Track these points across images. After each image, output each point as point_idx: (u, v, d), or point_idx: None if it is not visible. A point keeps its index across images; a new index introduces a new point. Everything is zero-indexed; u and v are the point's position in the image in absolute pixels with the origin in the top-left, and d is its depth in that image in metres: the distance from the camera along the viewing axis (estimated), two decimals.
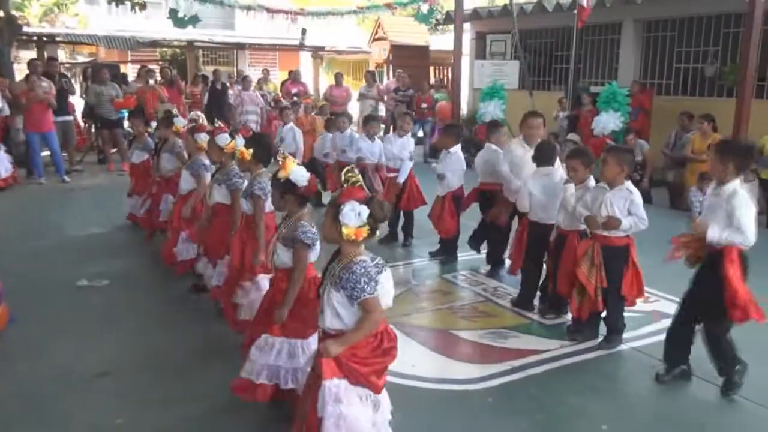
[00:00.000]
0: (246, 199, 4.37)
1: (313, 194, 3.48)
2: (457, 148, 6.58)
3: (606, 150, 4.68)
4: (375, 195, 2.84)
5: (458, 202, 6.61)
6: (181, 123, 6.53)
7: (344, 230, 2.69)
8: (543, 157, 5.26)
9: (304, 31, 13.40)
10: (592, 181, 4.79)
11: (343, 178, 2.82)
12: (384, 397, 3.00)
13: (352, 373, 2.81)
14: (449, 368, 4.35)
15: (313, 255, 3.44)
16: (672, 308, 5.31)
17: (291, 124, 9.28)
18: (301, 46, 19.35)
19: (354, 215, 2.68)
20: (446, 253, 6.75)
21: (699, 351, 4.15)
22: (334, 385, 2.79)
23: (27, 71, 11.14)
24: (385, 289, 2.82)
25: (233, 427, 3.59)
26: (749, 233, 3.75)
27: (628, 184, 4.51)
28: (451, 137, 6.66)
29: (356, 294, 2.71)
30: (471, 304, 5.58)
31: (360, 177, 2.83)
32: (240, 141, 4.57)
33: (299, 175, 3.34)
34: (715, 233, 3.78)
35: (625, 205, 4.42)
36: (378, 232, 2.82)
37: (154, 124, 7.78)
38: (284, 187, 3.41)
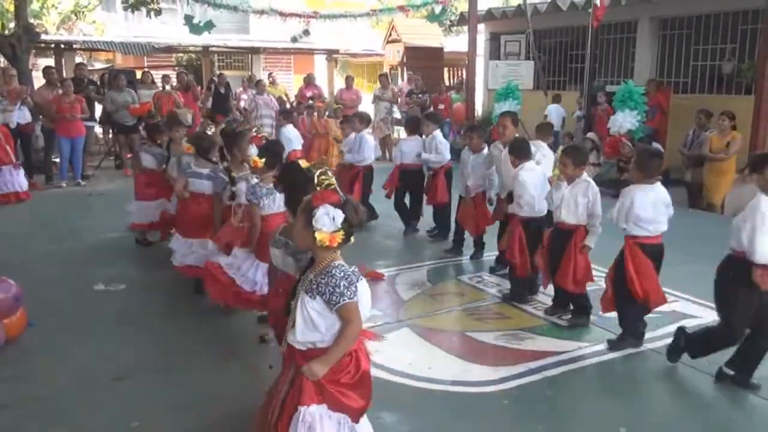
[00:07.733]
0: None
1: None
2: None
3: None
4: (349, 198, 2.65)
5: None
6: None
7: (318, 236, 2.51)
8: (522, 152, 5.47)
9: (306, 32, 13.58)
10: (584, 177, 4.86)
11: (316, 180, 2.64)
12: (363, 427, 2.83)
13: (331, 400, 2.65)
14: (464, 370, 4.32)
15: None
16: (690, 309, 5.28)
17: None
18: (311, 50, 19.37)
19: (328, 220, 2.52)
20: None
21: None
22: (310, 414, 2.60)
23: (43, 78, 11.29)
24: (363, 300, 2.62)
25: None
26: None
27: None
28: (482, 138, 6.77)
29: (335, 299, 2.51)
30: (486, 305, 5.54)
31: (334, 180, 2.65)
32: (253, 150, 4.58)
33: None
34: None
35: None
36: (353, 239, 2.62)
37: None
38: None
